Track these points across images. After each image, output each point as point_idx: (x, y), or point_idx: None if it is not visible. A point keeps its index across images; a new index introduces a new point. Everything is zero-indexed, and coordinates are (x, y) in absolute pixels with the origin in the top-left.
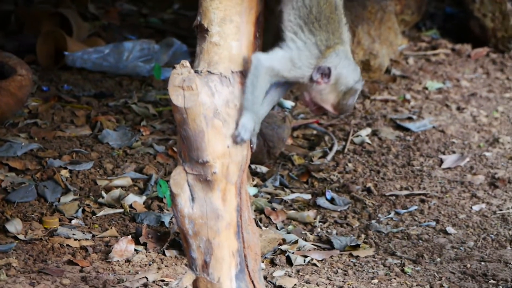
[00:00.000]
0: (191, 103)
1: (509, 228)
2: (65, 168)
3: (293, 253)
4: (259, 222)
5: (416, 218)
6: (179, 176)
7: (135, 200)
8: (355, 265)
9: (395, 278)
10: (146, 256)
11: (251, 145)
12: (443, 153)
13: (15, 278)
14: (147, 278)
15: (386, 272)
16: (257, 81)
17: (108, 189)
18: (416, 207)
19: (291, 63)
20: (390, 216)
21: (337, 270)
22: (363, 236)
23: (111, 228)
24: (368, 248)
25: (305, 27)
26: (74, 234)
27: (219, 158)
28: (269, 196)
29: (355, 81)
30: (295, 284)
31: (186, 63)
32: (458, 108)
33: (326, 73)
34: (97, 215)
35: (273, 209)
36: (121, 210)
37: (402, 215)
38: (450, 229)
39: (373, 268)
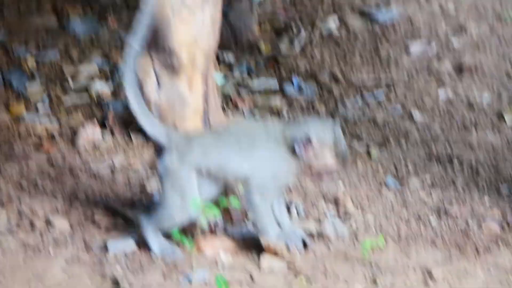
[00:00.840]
0: None
1: (474, 112)
2: (31, 55)
3: None
4: (226, 109)
5: (383, 103)
6: (146, 62)
7: (101, 87)
8: None
9: (360, 162)
10: (112, 141)
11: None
12: (410, 41)
13: None
14: (113, 163)
15: (352, 155)
16: (261, 212)
17: (74, 77)
18: (382, 93)
19: (274, 179)
20: (357, 102)
21: None
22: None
23: (78, 114)
24: None
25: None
26: (40, 121)
27: (186, 45)
28: (236, 84)
29: (332, 128)
30: None
31: None
32: None
33: (306, 142)
34: (63, 102)
35: (240, 96)
36: (88, 97)
37: (369, 101)
38: (416, 114)
39: None
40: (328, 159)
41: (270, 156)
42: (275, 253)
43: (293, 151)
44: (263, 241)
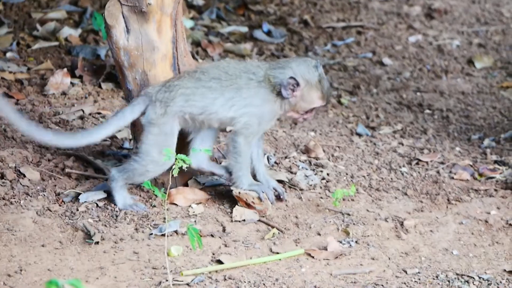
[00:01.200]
0: None
1: (445, 58)
2: None
3: None
4: (195, 55)
5: (353, 49)
6: (114, 7)
7: (70, 33)
8: None
9: (332, 110)
10: (82, 89)
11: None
12: None
13: None
14: (83, 111)
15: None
16: (242, 155)
17: (43, 22)
18: (352, 39)
19: (259, 122)
20: (327, 48)
21: None
22: None
23: (47, 61)
24: None
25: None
26: (9, 67)
27: None
28: (205, 29)
29: (315, 67)
30: None
31: None
32: None
33: (293, 83)
34: (32, 48)
35: (209, 41)
36: (57, 43)
37: (339, 47)
38: (386, 60)
39: None
40: (315, 99)
41: (254, 98)
42: (246, 204)
43: (278, 93)
44: (235, 192)
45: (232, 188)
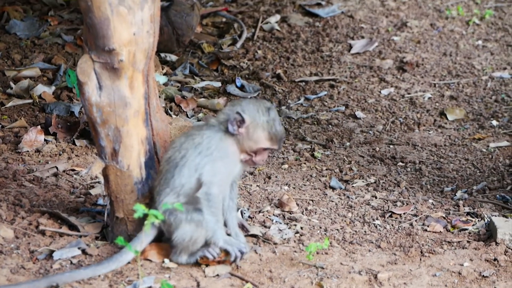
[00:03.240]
0: None
1: (417, 111)
2: None
3: None
4: (169, 111)
5: (326, 103)
6: (86, 64)
7: (44, 90)
8: None
9: (305, 163)
10: (56, 146)
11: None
12: (352, 38)
13: None
14: (57, 168)
15: (296, 157)
16: (213, 207)
17: (16, 80)
18: (325, 93)
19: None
20: (300, 102)
21: None
22: None
23: (21, 118)
24: None
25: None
26: None
27: (125, 45)
28: (179, 85)
29: (267, 108)
30: None
31: None
32: None
33: (239, 119)
34: (5, 106)
35: (183, 97)
36: (30, 101)
37: (312, 101)
38: (359, 114)
39: (283, 154)
40: (261, 138)
41: (209, 144)
42: (218, 262)
43: (226, 130)
44: (199, 261)
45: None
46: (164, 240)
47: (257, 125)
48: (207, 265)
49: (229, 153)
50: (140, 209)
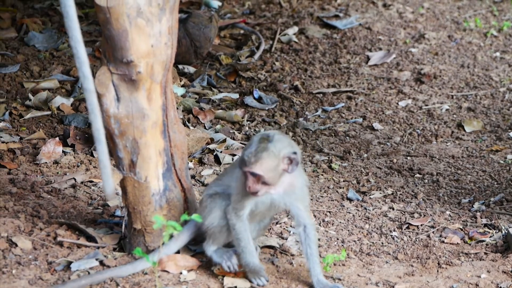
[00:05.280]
0: (114, 2)
1: (435, 122)
2: None
3: (221, 152)
4: (187, 122)
5: (343, 115)
6: (104, 76)
7: (62, 102)
8: None
9: (322, 175)
10: (74, 157)
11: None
12: (370, 50)
13: None
14: (75, 179)
15: (313, 168)
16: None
17: (35, 92)
18: (343, 104)
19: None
20: (317, 113)
21: None
22: (290, 134)
23: (39, 130)
24: None
25: None
26: (1, 137)
27: (143, 57)
28: (196, 96)
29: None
30: None
31: None
32: (384, 5)
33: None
34: (24, 117)
35: (201, 108)
36: (49, 112)
37: (329, 112)
38: (376, 125)
39: None
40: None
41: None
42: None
43: None
44: (215, 270)
45: (213, 268)
46: (181, 251)
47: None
48: (223, 276)
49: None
50: (159, 220)
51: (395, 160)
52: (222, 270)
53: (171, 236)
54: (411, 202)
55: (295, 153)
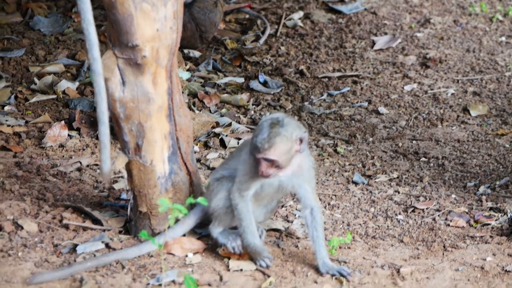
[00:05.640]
0: None
1: (440, 107)
2: None
3: (226, 135)
4: (192, 106)
5: (349, 99)
6: (109, 60)
7: (68, 86)
8: None
9: (328, 158)
10: (79, 141)
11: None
12: (375, 35)
13: None
14: (80, 163)
15: (319, 152)
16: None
17: (40, 76)
18: (348, 88)
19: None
20: (323, 97)
21: None
22: (296, 118)
23: (44, 114)
24: None
25: None
26: (7, 121)
27: (149, 41)
28: (202, 80)
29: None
30: None
31: None
32: None
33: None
34: (30, 101)
35: (206, 93)
36: (54, 96)
37: (335, 97)
38: (382, 109)
39: None
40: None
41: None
42: (239, 256)
43: None
44: (220, 252)
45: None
46: (186, 234)
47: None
48: (229, 258)
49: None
50: (165, 203)
51: (400, 144)
52: (227, 251)
53: (176, 220)
54: (416, 186)
55: (305, 132)
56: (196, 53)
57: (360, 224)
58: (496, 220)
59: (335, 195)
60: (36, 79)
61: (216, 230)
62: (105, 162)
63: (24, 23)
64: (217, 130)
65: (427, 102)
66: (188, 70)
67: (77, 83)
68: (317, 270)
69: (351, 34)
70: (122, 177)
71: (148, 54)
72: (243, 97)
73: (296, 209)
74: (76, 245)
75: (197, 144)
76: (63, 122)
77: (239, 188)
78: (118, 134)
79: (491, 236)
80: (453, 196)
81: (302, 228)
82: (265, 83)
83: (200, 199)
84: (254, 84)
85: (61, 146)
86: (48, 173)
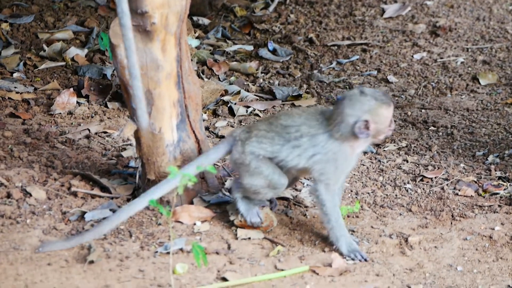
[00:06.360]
0: None
1: (450, 75)
2: (6, 21)
3: (235, 103)
4: (201, 74)
5: (358, 67)
6: (119, 27)
7: (77, 53)
8: None
9: None
10: (88, 108)
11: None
12: (385, 3)
13: None
14: (89, 130)
15: None
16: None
17: (49, 42)
18: (357, 57)
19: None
20: (332, 66)
21: None
22: (305, 86)
23: (53, 81)
24: (310, 97)
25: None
26: (15, 87)
27: (158, 8)
28: (211, 48)
29: (366, 94)
30: None
31: None
32: None
33: (363, 126)
34: (38, 68)
35: (215, 60)
36: (63, 63)
37: (344, 65)
38: (391, 78)
39: None
40: (387, 118)
41: (322, 146)
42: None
43: (346, 137)
44: (236, 222)
45: (232, 218)
46: (195, 202)
47: (378, 115)
48: (237, 227)
49: (347, 157)
50: (174, 171)
51: (409, 113)
52: (244, 223)
53: (185, 187)
54: (425, 155)
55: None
56: (205, 21)
57: (368, 193)
58: (504, 189)
59: None
60: (45, 46)
61: (239, 195)
62: (143, 117)
63: None
64: (226, 98)
65: (436, 70)
66: (197, 37)
67: (86, 50)
68: (325, 239)
69: (360, 1)
70: (130, 145)
71: (157, 20)
72: (252, 65)
73: (305, 177)
74: (84, 213)
75: (205, 112)
76: (71, 89)
77: (328, 184)
78: (127, 102)
79: (499, 206)
80: (462, 165)
81: (311, 197)
82: (274, 51)
83: (209, 167)
84: (263, 52)
85: (70, 113)
86: (56, 140)
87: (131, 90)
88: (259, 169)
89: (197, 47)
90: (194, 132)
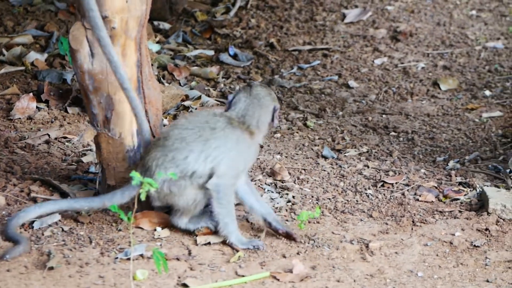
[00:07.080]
0: None
1: (410, 80)
2: None
3: (196, 108)
4: (161, 79)
5: (319, 72)
6: (78, 31)
7: (36, 57)
8: None
9: (297, 132)
10: (48, 113)
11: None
12: (346, 8)
13: None
14: (49, 135)
15: (288, 126)
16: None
17: (9, 47)
18: (318, 62)
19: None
20: (293, 71)
21: None
22: None
23: (13, 85)
24: None
25: None
26: None
27: (118, 13)
28: (172, 53)
29: (257, 86)
30: None
31: None
32: None
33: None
34: None
35: (176, 65)
36: (23, 68)
37: (305, 70)
38: (352, 83)
39: None
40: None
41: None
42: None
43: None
44: (197, 233)
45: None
46: (156, 208)
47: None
48: (196, 234)
49: (249, 146)
50: (136, 177)
51: (370, 118)
52: (206, 231)
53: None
54: (386, 160)
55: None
56: (166, 25)
57: (329, 199)
58: (465, 195)
59: (304, 169)
60: (4, 50)
61: (183, 222)
62: (144, 125)
63: None
64: (186, 103)
65: (397, 76)
66: (157, 42)
67: (46, 55)
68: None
69: (321, 6)
70: (90, 150)
71: (117, 25)
72: (213, 70)
73: (265, 183)
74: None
75: (166, 117)
76: (31, 94)
77: (231, 180)
78: (86, 107)
79: (460, 211)
80: (423, 170)
81: (271, 203)
82: (235, 56)
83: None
84: (224, 57)
85: (29, 118)
86: (16, 145)
87: (91, 95)
88: (180, 186)
89: (158, 52)
90: (154, 137)
